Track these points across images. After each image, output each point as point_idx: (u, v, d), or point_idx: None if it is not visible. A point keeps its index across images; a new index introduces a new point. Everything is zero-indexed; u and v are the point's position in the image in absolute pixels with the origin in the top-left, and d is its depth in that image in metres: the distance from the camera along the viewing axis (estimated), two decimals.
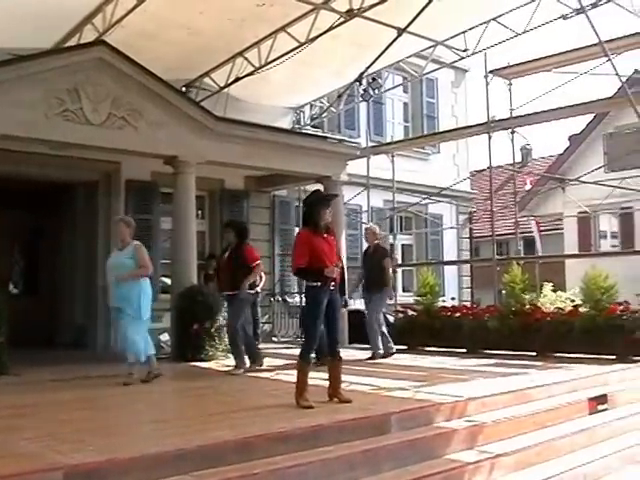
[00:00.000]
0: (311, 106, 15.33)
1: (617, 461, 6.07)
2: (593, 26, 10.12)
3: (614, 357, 8.98)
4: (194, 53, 11.70)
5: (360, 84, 13.44)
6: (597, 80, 18.63)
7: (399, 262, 16.04)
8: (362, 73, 13.07)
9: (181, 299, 9.71)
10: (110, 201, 11.77)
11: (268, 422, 5.10)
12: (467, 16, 11.98)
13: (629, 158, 14.92)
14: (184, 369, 8.95)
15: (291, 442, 4.70)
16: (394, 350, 9.87)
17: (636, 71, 16.04)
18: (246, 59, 12.11)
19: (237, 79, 12.28)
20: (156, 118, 9.76)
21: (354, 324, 11.11)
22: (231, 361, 8.74)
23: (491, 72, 12.70)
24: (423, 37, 12.39)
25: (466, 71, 18.17)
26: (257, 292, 9.48)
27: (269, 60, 11.81)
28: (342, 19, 10.83)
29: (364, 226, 12.97)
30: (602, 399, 6.99)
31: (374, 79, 13.66)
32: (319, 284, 5.90)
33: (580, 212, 18.11)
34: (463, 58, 13.29)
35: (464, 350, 10.54)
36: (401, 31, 11.44)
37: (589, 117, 20.57)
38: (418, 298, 11.87)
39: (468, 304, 14.17)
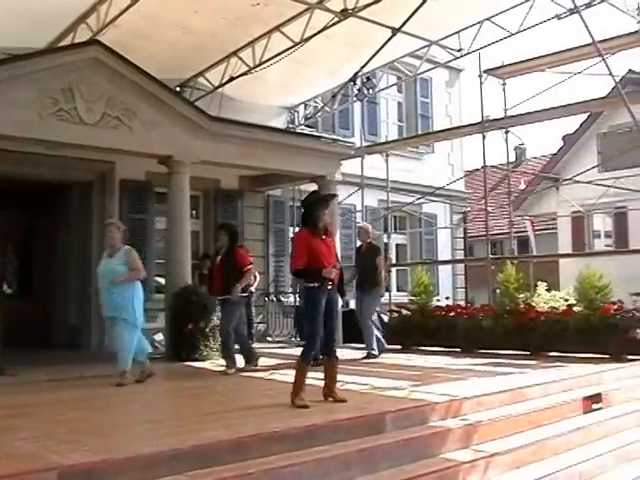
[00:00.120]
0: (305, 106, 15.34)
1: (612, 459, 6.08)
2: (587, 26, 10.16)
3: (608, 356, 9.00)
4: (188, 52, 11.69)
5: (354, 84, 13.45)
6: (591, 80, 18.63)
7: (393, 262, 16.05)
8: (356, 73, 13.07)
9: (175, 299, 9.71)
10: (104, 201, 11.75)
11: (263, 422, 5.09)
12: (461, 16, 12.01)
13: (623, 158, 14.90)
14: (178, 369, 8.94)
15: (286, 442, 4.69)
16: (383, 349, 9.86)
17: (630, 71, 16.11)
18: (240, 59, 12.11)
19: (231, 79, 12.27)
20: (150, 118, 9.75)
21: (348, 324, 11.09)
22: None
23: (485, 72, 12.71)
24: (417, 37, 12.43)
25: (460, 71, 18.17)
26: (251, 292, 9.49)
27: (264, 60, 11.82)
28: (336, 19, 10.83)
29: (357, 224, 12.96)
30: (597, 398, 7.00)
31: (368, 79, 13.67)
32: (317, 285, 5.90)
33: (574, 212, 18.19)
34: (457, 58, 13.31)
35: (459, 349, 10.55)
36: (395, 31, 11.48)
37: (583, 117, 20.65)
38: (412, 298, 11.87)
39: (462, 303, 14.20)
